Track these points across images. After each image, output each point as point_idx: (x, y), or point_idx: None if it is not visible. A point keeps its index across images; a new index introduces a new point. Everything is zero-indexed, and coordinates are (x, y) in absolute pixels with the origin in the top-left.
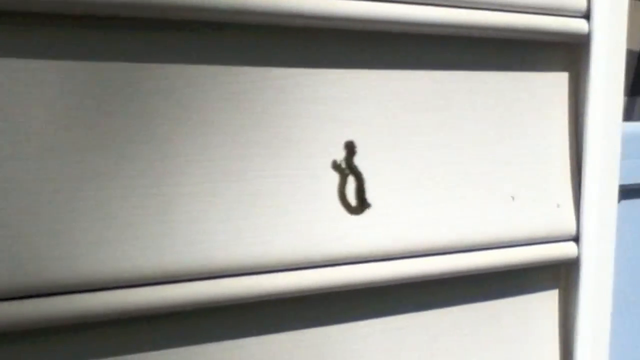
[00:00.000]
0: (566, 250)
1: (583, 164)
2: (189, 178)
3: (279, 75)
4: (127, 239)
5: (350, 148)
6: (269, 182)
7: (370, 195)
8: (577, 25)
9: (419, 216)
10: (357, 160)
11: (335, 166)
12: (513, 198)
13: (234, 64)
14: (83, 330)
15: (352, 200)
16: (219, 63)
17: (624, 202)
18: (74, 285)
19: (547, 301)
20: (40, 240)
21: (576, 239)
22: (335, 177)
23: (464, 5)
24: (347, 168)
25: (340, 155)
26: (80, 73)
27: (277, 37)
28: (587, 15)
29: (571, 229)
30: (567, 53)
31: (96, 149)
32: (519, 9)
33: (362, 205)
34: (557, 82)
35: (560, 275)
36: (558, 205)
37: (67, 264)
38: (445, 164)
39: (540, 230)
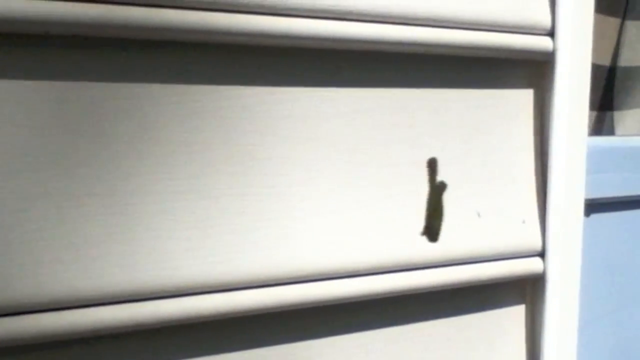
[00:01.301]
0: (532, 265)
1: (548, 180)
2: (152, 197)
3: (245, 94)
4: (90, 258)
5: None
6: (234, 201)
7: (341, 211)
8: (542, 43)
9: (384, 232)
10: (326, 177)
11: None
12: (479, 214)
13: (199, 83)
14: (44, 350)
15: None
16: (183, 82)
17: (594, 215)
18: (36, 305)
19: (514, 316)
20: (0, 259)
21: (542, 254)
22: (302, 194)
23: (430, 24)
24: None
25: (304, 172)
26: (41, 93)
27: (243, 56)
28: (551, 33)
29: (537, 244)
30: (532, 70)
31: (57, 168)
32: (484, 28)
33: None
34: (523, 98)
35: (527, 291)
36: (523, 221)
37: (29, 283)
38: (411, 181)
39: (506, 246)
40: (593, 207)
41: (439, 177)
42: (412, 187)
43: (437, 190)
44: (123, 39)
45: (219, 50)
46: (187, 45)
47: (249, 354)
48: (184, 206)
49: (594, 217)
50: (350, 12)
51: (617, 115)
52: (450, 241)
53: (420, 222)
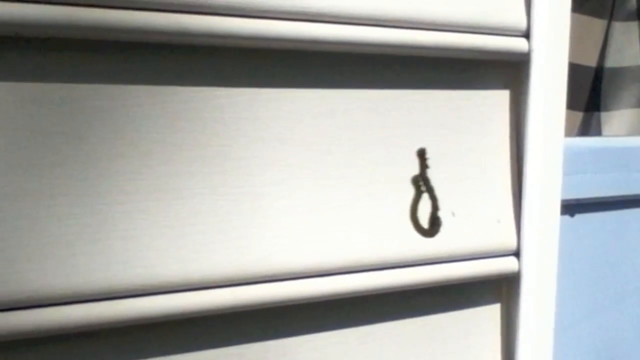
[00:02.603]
0: (507, 265)
1: (523, 180)
2: (125, 196)
3: (218, 94)
4: (63, 257)
5: None
6: (206, 200)
7: (314, 211)
8: (518, 44)
9: (360, 231)
10: (300, 177)
11: None
12: (453, 214)
13: (172, 84)
14: (16, 348)
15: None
16: (156, 83)
17: (579, 216)
18: (7, 302)
19: (489, 315)
20: None
21: (517, 253)
22: (276, 194)
23: (405, 25)
24: None
25: (277, 172)
26: (17, 93)
27: (216, 58)
28: (527, 34)
29: (512, 243)
30: (508, 71)
31: (30, 168)
32: (460, 29)
33: None
34: (498, 99)
35: (502, 290)
36: (498, 221)
37: (1, 282)
38: (385, 181)
39: (481, 245)
40: (578, 207)
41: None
42: (386, 187)
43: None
44: (95, 40)
45: (192, 52)
46: (160, 46)
47: (223, 351)
48: (157, 206)
49: (579, 217)
50: (324, 14)
51: (604, 116)
52: (425, 240)
53: (396, 220)
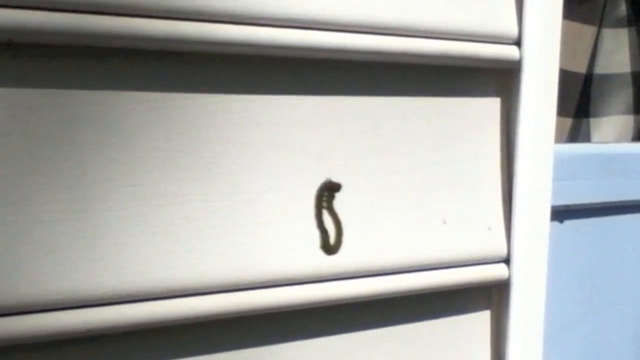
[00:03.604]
0: (497, 271)
1: (514, 187)
2: (117, 203)
3: (211, 101)
4: (53, 263)
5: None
6: (199, 207)
7: (308, 217)
8: (509, 52)
9: (351, 239)
10: (292, 183)
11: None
12: (444, 221)
13: (164, 91)
14: (7, 354)
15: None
16: (148, 90)
17: (568, 222)
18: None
19: (479, 322)
20: None
21: (507, 260)
22: (269, 201)
23: (397, 33)
24: None
25: (271, 179)
26: (8, 99)
27: (208, 64)
28: (518, 42)
29: (502, 251)
30: (499, 79)
31: (23, 174)
32: (451, 37)
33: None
34: (489, 107)
35: (492, 296)
36: (489, 228)
37: None
38: (377, 188)
39: (472, 253)
40: (567, 213)
41: (404, 184)
42: (375, 194)
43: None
44: (89, 47)
45: (187, 58)
46: (154, 53)
47: (215, 357)
48: (149, 212)
49: (568, 223)
50: (318, 22)
51: (593, 122)
52: (416, 247)
53: (382, 227)
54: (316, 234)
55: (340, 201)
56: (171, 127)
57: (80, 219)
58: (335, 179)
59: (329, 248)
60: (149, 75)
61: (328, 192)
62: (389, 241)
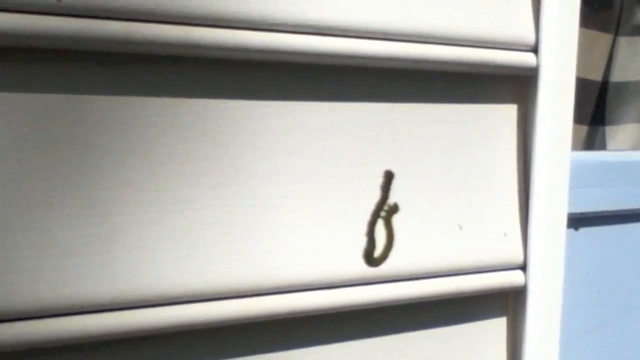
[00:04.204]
0: (513, 278)
1: (530, 194)
2: (134, 207)
3: (228, 107)
4: (70, 267)
5: None
6: (216, 212)
7: (323, 223)
8: (526, 58)
9: (364, 244)
10: (309, 190)
11: None
12: (460, 227)
13: (183, 96)
14: (24, 358)
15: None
16: (167, 95)
17: (583, 229)
18: (15, 313)
19: (496, 328)
20: None
21: (523, 267)
22: (284, 206)
23: (414, 40)
24: None
25: (287, 185)
26: (26, 104)
27: (226, 70)
28: (535, 49)
29: (518, 257)
30: (516, 86)
31: (40, 178)
32: (468, 44)
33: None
34: (506, 114)
35: (508, 303)
36: (505, 234)
37: (9, 292)
38: (393, 194)
39: (488, 259)
40: (582, 221)
41: (421, 190)
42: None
43: (388, 212)
44: (105, 52)
45: (203, 64)
46: (171, 58)
47: None
48: (166, 217)
49: (583, 231)
50: (334, 28)
51: (609, 130)
52: (432, 253)
53: (398, 233)
54: (329, 240)
55: (355, 205)
56: (187, 133)
57: (97, 224)
58: (350, 185)
59: (372, 259)
60: (164, 81)
61: (389, 207)
62: (405, 247)
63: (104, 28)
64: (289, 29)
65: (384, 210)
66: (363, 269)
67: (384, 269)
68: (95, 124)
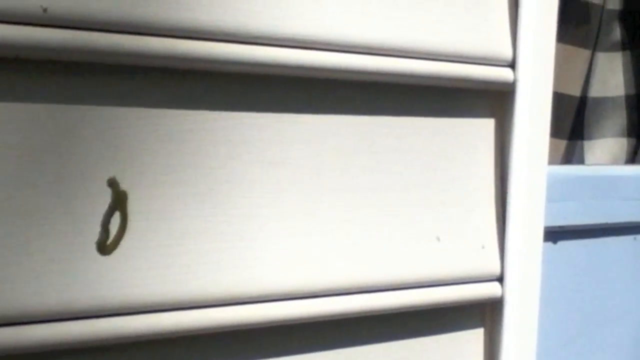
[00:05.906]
0: (491, 290)
1: (507, 207)
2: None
3: (211, 118)
4: (51, 275)
5: None
6: (197, 222)
7: (304, 233)
8: (503, 74)
9: (346, 255)
10: (290, 200)
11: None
12: (438, 239)
13: (165, 107)
14: None
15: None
16: (149, 106)
17: (561, 243)
18: (7, 318)
19: (473, 339)
20: None
21: (500, 279)
22: (266, 216)
23: (394, 54)
24: None
25: (268, 195)
26: (12, 113)
27: (210, 82)
28: (512, 64)
29: (496, 269)
30: (494, 100)
31: (27, 187)
32: (447, 59)
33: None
34: (484, 127)
35: (486, 315)
36: (483, 247)
37: None
38: (372, 206)
39: (466, 271)
40: (561, 234)
41: (399, 202)
42: (370, 211)
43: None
44: (91, 63)
45: (186, 76)
46: (153, 70)
47: None
48: (147, 226)
49: (561, 244)
50: (316, 41)
51: (587, 144)
52: (410, 265)
53: (380, 244)
54: (310, 250)
55: (334, 216)
56: (169, 143)
57: (80, 233)
58: (330, 196)
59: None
60: (147, 92)
61: None
62: (382, 258)
63: (90, 39)
64: (271, 42)
65: None
66: (341, 279)
67: (361, 278)
68: (77, 134)
